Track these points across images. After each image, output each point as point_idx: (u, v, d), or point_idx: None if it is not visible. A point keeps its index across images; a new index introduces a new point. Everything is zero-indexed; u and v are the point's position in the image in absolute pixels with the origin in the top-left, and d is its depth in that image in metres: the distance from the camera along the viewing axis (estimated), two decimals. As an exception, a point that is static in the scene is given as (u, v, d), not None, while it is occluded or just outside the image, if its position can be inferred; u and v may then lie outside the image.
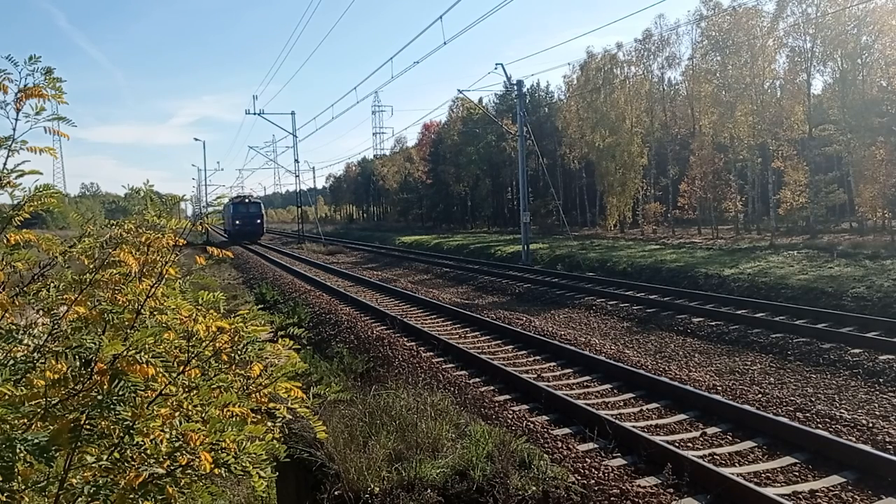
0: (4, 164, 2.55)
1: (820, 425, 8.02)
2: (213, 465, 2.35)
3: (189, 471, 2.37)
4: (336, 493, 5.70)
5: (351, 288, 23.52)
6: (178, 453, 2.36)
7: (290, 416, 2.93)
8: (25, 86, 2.50)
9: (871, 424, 7.96)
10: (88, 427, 2.21)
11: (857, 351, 11.68)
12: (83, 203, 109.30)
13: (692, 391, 9.31)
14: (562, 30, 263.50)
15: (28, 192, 2.62)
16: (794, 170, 34.10)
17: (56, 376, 2.26)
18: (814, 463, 6.95)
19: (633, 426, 8.01)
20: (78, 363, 2.28)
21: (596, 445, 7.45)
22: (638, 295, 19.59)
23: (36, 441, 2.03)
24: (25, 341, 2.40)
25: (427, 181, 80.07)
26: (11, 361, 2.27)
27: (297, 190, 69.42)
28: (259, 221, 61.01)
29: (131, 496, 2.25)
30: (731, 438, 7.82)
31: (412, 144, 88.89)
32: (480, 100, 63.05)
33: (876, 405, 9.46)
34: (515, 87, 33.95)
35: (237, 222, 59.45)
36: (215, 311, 2.96)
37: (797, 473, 6.79)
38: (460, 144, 68.26)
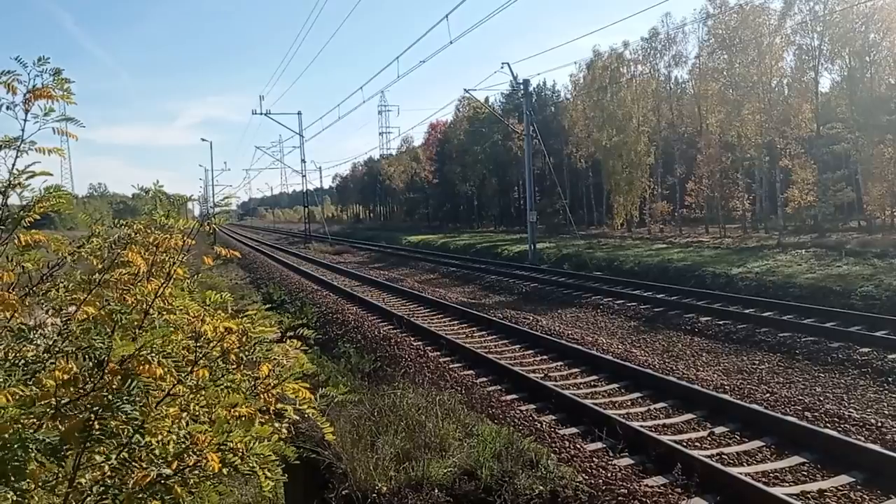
0: (14, 164, 2.56)
1: (828, 425, 7.99)
2: (220, 466, 2.35)
3: (197, 471, 2.37)
4: (344, 492, 5.71)
5: (358, 287, 23.56)
6: (187, 453, 2.37)
7: (298, 417, 2.93)
8: (34, 87, 2.50)
9: (880, 424, 7.93)
10: (98, 427, 2.22)
11: (865, 350, 11.62)
12: (91, 203, 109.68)
13: (700, 390, 9.29)
14: (568, 29, 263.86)
15: (38, 192, 2.63)
16: (801, 168, 33.91)
17: (66, 376, 2.27)
18: (822, 463, 6.93)
19: (641, 426, 8.00)
20: (91, 363, 2.28)
21: (604, 445, 7.44)
22: (645, 294, 19.56)
23: (48, 440, 2.04)
24: (36, 341, 2.41)
25: (433, 181, 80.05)
26: (22, 361, 2.28)
27: (304, 190, 69.68)
28: None
29: (140, 496, 2.26)
30: (739, 438, 7.80)
31: (418, 144, 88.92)
32: (487, 99, 62.88)
33: (885, 404, 9.42)
34: (522, 87, 33.96)
35: None
36: (223, 311, 2.97)
37: (806, 473, 6.77)
38: (466, 144, 68.21)
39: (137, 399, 2.24)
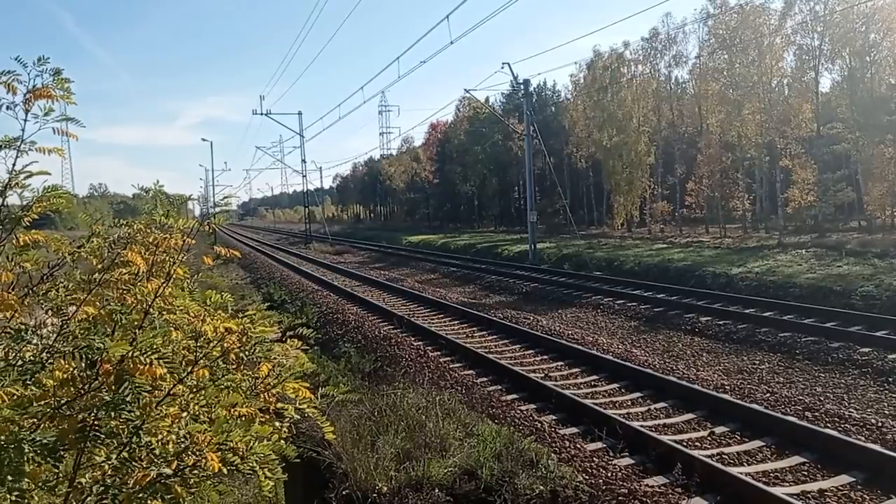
0: (13, 164, 2.56)
1: (829, 425, 7.98)
2: (220, 465, 2.35)
3: (197, 470, 2.37)
4: (344, 492, 5.71)
5: (358, 287, 23.56)
6: (186, 453, 2.37)
7: (298, 417, 2.93)
8: (34, 87, 2.50)
9: (880, 424, 7.92)
10: (97, 427, 2.22)
11: (866, 350, 11.61)
12: (91, 203, 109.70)
13: (700, 390, 9.29)
14: (568, 29, 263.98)
15: (37, 192, 2.63)
16: (802, 168, 33.89)
17: (64, 376, 2.27)
18: (823, 462, 6.92)
19: (641, 425, 8.00)
20: (84, 364, 2.28)
21: (604, 445, 7.44)
22: (645, 294, 19.55)
23: (43, 441, 2.04)
24: (34, 341, 2.41)
25: (434, 181, 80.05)
26: (20, 362, 2.28)
27: (305, 190, 69.69)
28: None
29: (140, 495, 2.26)
30: (739, 438, 7.80)
31: (419, 144, 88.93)
32: (487, 99, 62.87)
33: (885, 404, 9.41)
34: (522, 87, 33.96)
35: None
36: (223, 311, 2.97)
37: (806, 473, 6.77)
38: (467, 144, 68.18)
39: (130, 400, 2.24)
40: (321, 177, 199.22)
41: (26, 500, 2.04)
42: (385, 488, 5.61)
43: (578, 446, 7.42)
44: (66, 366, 2.31)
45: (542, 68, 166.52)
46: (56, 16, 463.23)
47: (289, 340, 3.05)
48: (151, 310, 2.68)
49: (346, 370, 11.01)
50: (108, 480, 2.27)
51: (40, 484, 2.14)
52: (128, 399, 2.23)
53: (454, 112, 74.72)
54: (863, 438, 7.47)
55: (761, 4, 36.26)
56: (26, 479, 2.04)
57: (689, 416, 8.63)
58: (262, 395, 2.82)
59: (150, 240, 2.86)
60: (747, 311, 15.68)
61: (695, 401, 9.01)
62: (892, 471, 6.44)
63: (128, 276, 2.78)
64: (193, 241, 3.03)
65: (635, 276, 24.12)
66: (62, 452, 2.11)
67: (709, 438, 7.84)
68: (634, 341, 14.41)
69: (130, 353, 2.27)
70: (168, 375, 2.40)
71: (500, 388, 10.11)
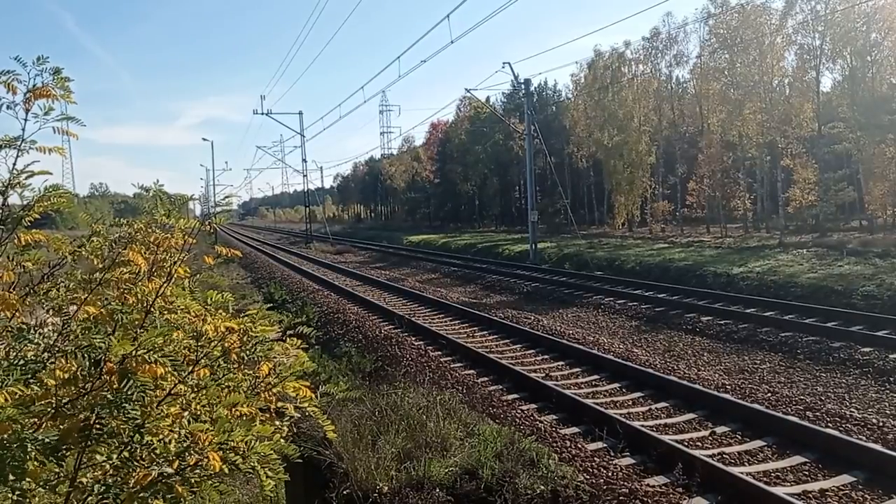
0: (14, 164, 2.56)
1: (830, 424, 7.98)
2: (221, 465, 2.35)
3: (198, 470, 2.37)
4: (345, 491, 5.71)
5: (359, 287, 23.56)
6: (188, 453, 2.36)
7: (299, 416, 2.93)
8: (34, 86, 2.50)
9: (881, 423, 7.92)
10: (98, 426, 2.22)
11: (867, 350, 11.60)
12: (92, 203, 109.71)
13: (701, 390, 9.28)
14: (568, 29, 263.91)
15: (38, 192, 2.63)
16: (803, 168, 33.87)
17: (66, 376, 2.27)
18: (824, 462, 6.92)
19: (642, 425, 8.00)
20: (88, 363, 2.28)
21: (605, 445, 7.44)
22: (646, 294, 19.54)
23: (46, 440, 2.04)
24: (36, 340, 2.41)
25: (434, 180, 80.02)
26: (22, 361, 2.28)
27: (305, 189, 69.52)
28: None
29: (141, 495, 2.25)
30: (740, 438, 7.79)
31: (420, 144, 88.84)
32: (488, 99, 62.99)
33: (886, 404, 9.40)
34: (523, 86, 33.95)
35: None
36: (224, 311, 2.97)
37: (807, 473, 6.76)
38: (468, 143, 68.14)
39: (135, 398, 2.24)
40: (322, 176, 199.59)
41: (28, 500, 2.04)
42: (386, 488, 5.61)
43: (579, 446, 7.42)
44: (68, 365, 2.31)
45: (543, 68, 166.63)
46: (56, 16, 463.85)
47: (289, 339, 3.05)
48: (153, 309, 2.67)
49: (346, 370, 11.01)
50: (110, 480, 2.27)
51: (42, 483, 2.14)
52: (133, 397, 2.23)
53: (455, 112, 74.85)
54: (864, 438, 7.46)
55: (762, 4, 36.23)
56: (28, 479, 2.04)
57: (691, 415, 8.63)
58: (262, 395, 2.82)
59: (151, 239, 2.86)
60: (748, 310, 15.67)
61: (696, 400, 9.01)
62: (893, 470, 6.43)
63: (129, 276, 2.78)
64: (194, 241, 3.03)
65: (636, 276, 24.11)
66: (65, 452, 2.11)
67: (710, 438, 7.83)
68: (635, 341, 14.40)
69: (133, 352, 2.27)
70: (169, 375, 2.40)
71: (500, 387, 10.11)
